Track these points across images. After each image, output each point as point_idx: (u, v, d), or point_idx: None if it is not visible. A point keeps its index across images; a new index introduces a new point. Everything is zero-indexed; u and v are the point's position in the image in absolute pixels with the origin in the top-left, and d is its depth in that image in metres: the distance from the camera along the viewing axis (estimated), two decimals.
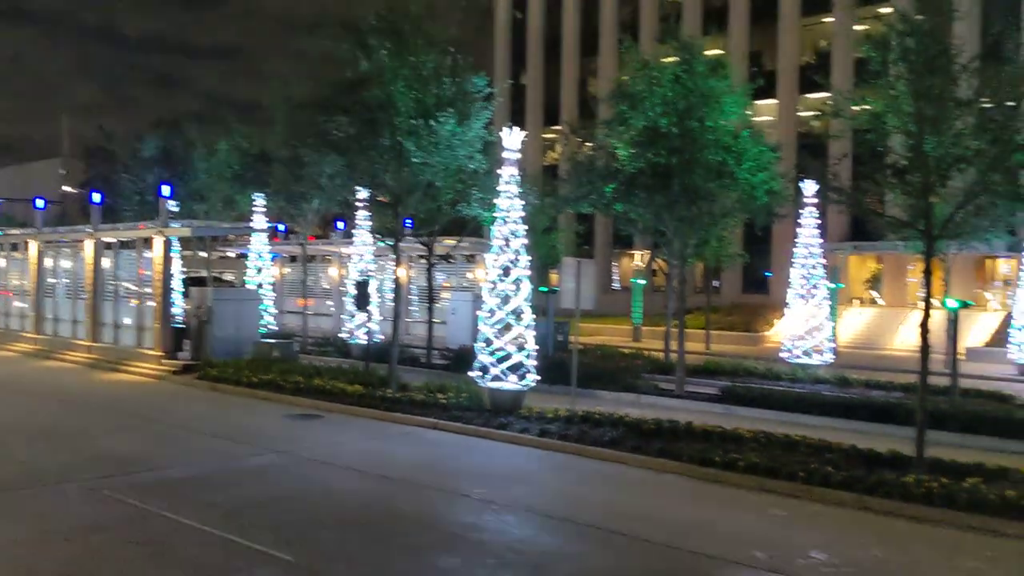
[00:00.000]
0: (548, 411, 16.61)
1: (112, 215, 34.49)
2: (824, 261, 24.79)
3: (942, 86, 12.07)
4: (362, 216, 26.76)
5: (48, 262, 31.14)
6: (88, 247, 27.83)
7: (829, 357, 24.25)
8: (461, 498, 11.80)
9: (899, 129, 12.45)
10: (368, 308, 23.33)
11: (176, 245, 27.93)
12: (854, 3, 42.64)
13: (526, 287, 17.13)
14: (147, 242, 25.81)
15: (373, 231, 26.46)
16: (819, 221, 24.28)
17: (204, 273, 34.09)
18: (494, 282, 17.17)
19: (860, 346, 36.22)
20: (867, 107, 13.05)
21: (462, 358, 22.05)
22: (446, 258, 26.25)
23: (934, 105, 12.03)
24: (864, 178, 13.98)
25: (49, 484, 12.01)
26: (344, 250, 33.83)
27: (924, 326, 12.52)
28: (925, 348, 12.58)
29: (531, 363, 17.15)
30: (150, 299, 25.41)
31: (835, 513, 11.38)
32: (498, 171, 17.82)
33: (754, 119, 22.39)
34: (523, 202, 17.59)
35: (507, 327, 17.04)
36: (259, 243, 32.60)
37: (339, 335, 29.52)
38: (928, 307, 12.61)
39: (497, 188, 17.59)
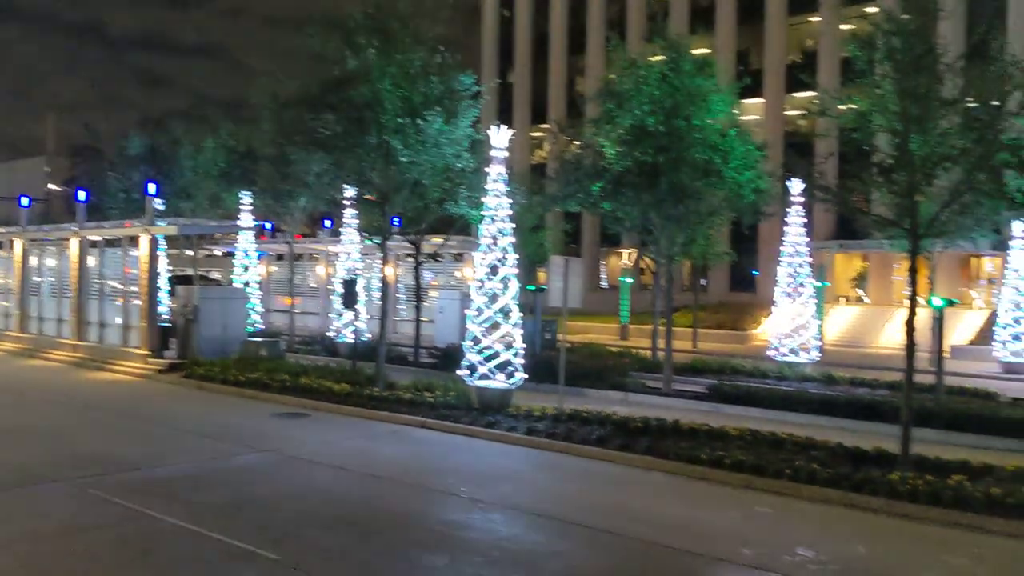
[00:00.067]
0: (536, 409, 16.61)
1: (97, 213, 34.24)
2: (810, 259, 24.89)
3: (927, 85, 12.13)
4: (349, 214, 26.70)
5: (33, 260, 30.95)
6: (73, 245, 27.67)
7: (815, 355, 24.37)
8: (448, 496, 11.80)
9: (885, 128, 12.50)
10: (355, 307, 23.28)
11: (162, 243, 27.79)
12: (840, 2, 42.80)
13: (514, 285, 17.13)
14: (133, 240, 25.67)
15: (360, 229, 26.39)
16: (805, 219, 24.38)
17: (190, 272, 33.95)
18: (482, 280, 17.16)
19: (846, 344, 36.38)
20: (853, 106, 13.10)
21: (450, 357, 22.04)
22: (434, 256, 26.19)
23: (920, 104, 12.08)
24: (850, 177, 14.05)
25: (34, 484, 11.92)
26: (331, 248, 33.77)
27: (910, 324, 12.58)
28: (911, 346, 12.64)
29: (519, 361, 17.15)
30: (136, 298, 25.29)
31: (821, 510, 11.42)
32: (486, 169, 17.81)
33: (741, 118, 22.46)
34: (511, 200, 17.59)
35: (495, 325, 17.03)
36: (246, 241, 32.47)
37: (326, 334, 29.46)
38: (914, 305, 12.67)
39: (485, 186, 17.57)
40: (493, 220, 17.16)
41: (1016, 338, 26.97)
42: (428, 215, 22.94)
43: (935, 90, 12.21)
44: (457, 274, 33.40)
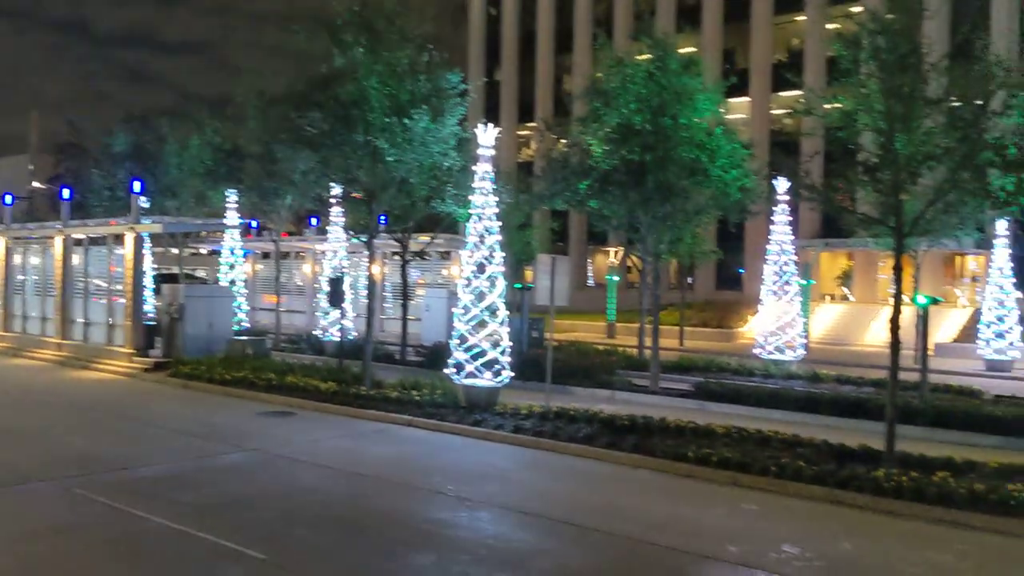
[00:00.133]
0: (523, 408, 16.61)
1: (82, 211, 34.05)
2: (796, 258, 25.00)
3: (912, 85, 12.19)
4: (336, 212, 26.63)
5: (17, 259, 30.75)
6: (58, 243, 27.50)
7: (801, 353, 24.47)
8: (435, 495, 11.79)
9: (870, 127, 12.56)
10: (342, 305, 23.23)
11: (147, 242, 27.66)
12: (826, 2, 42.95)
13: (500, 284, 17.13)
14: (118, 238, 25.54)
15: (347, 227, 26.34)
16: (791, 218, 24.47)
17: (176, 270, 33.78)
18: (469, 279, 17.16)
19: (832, 342, 36.55)
20: (838, 105, 13.16)
21: (437, 355, 22.03)
22: (420, 255, 26.15)
23: (904, 103, 12.15)
24: (836, 175, 14.10)
25: (19, 484, 11.85)
26: (318, 246, 33.68)
27: (894, 322, 12.64)
28: (895, 344, 12.71)
29: (506, 360, 17.15)
30: (121, 296, 25.16)
31: (807, 507, 11.48)
32: (473, 168, 17.80)
33: (727, 116, 22.50)
34: (497, 199, 17.59)
35: (482, 324, 17.03)
36: (232, 240, 32.34)
37: (313, 332, 29.38)
38: (898, 303, 12.73)
39: (471, 185, 17.56)
40: (480, 218, 17.16)
41: (999, 336, 27.16)
42: (415, 213, 22.91)
43: (920, 89, 12.28)
44: (444, 272, 33.38)
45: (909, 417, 15.34)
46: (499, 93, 57.28)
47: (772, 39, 47.54)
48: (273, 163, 24.34)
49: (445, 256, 32.86)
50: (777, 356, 24.00)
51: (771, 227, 24.53)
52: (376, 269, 24.44)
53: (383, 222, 23.91)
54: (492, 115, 44.66)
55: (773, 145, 42.01)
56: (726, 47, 48.75)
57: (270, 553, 9.10)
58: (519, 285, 21.52)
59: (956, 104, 12.59)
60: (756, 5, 47.31)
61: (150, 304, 28.73)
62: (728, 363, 24.25)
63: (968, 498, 10.95)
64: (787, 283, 24.30)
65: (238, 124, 29.46)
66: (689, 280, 44.43)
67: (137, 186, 25.78)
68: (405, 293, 25.73)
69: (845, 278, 44.73)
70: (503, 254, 17.43)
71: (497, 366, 17.01)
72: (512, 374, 17.49)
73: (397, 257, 25.83)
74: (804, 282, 27.03)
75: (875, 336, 35.44)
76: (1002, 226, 25.97)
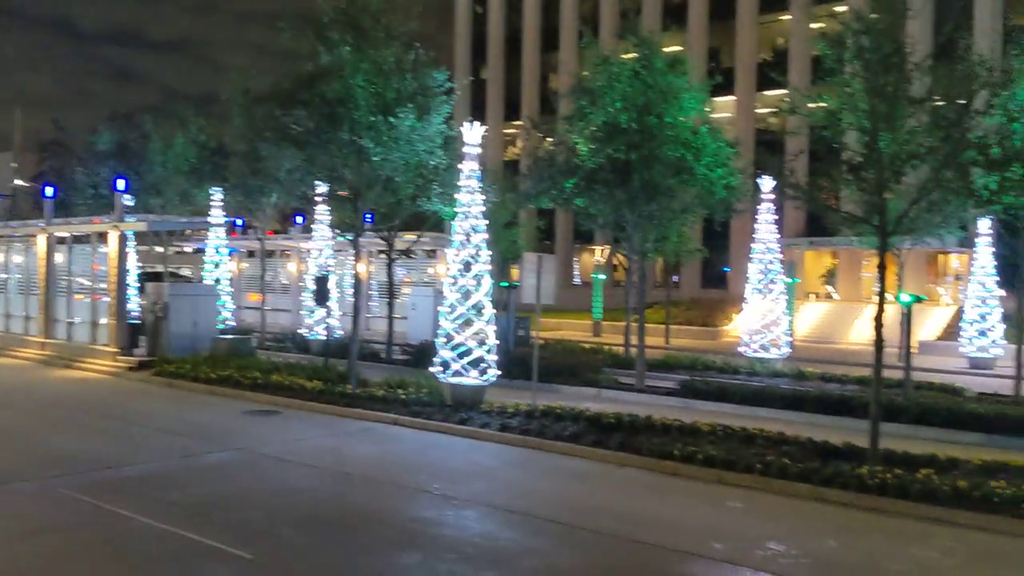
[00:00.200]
0: (509, 406, 16.62)
1: (65, 209, 33.82)
2: (781, 256, 25.08)
3: (896, 84, 12.25)
4: (321, 211, 26.56)
5: None
6: (41, 242, 27.32)
7: (786, 351, 24.57)
8: (421, 494, 11.78)
9: (854, 126, 12.61)
10: (327, 303, 23.19)
11: (132, 240, 27.49)
12: (810, 1, 43.11)
13: (487, 282, 17.13)
14: (102, 237, 25.39)
15: (332, 226, 26.30)
16: (776, 217, 24.56)
17: (160, 268, 33.60)
18: (455, 277, 17.14)
19: (816, 340, 36.70)
20: (823, 104, 13.21)
21: (423, 353, 22.00)
22: (406, 253, 26.16)
23: (888, 103, 12.20)
24: (820, 174, 14.16)
25: (3, 484, 11.77)
26: (303, 245, 33.53)
27: (878, 320, 12.71)
28: (879, 342, 12.77)
29: (492, 358, 17.15)
30: (105, 295, 25.02)
31: (792, 505, 11.53)
32: (459, 166, 17.79)
33: (712, 115, 22.50)
34: (484, 197, 17.58)
35: (468, 322, 17.02)
36: (216, 238, 32.19)
37: (298, 331, 29.30)
38: (882, 301, 12.80)
39: (457, 183, 17.55)
40: (466, 217, 17.15)
41: (982, 334, 27.33)
42: (401, 211, 22.87)
43: (903, 89, 12.34)
44: (430, 271, 33.34)
45: (893, 415, 15.43)
46: (485, 91, 57.25)
47: (757, 38, 47.70)
48: (258, 161, 24.22)
49: (431, 254, 32.82)
50: (762, 354, 24.08)
51: (756, 226, 24.61)
52: (362, 267, 24.38)
53: (369, 220, 23.86)
54: (478, 113, 44.65)
55: (758, 144, 42.17)
56: (711, 46, 48.88)
57: (256, 552, 9.07)
58: (505, 283, 21.51)
59: (939, 103, 12.66)
60: (741, 4, 47.44)
61: (134, 303, 28.53)
62: (713, 361, 24.32)
63: (952, 495, 11.03)
64: (772, 281, 24.38)
65: (223, 122, 29.35)
66: (675, 278, 44.55)
67: (121, 184, 25.63)
68: (391, 291, 25.69)
69: (830, 276, 44.94)
70: (489, 252, 17.43)
71: (483, 364, 17.00)
72: (498, 372, 17.49)
73: (383, 255, 25.77)
74: (789, 280, 27.13)
75: (859, 334, 35.62)
76: (985, 225, 26.12)
